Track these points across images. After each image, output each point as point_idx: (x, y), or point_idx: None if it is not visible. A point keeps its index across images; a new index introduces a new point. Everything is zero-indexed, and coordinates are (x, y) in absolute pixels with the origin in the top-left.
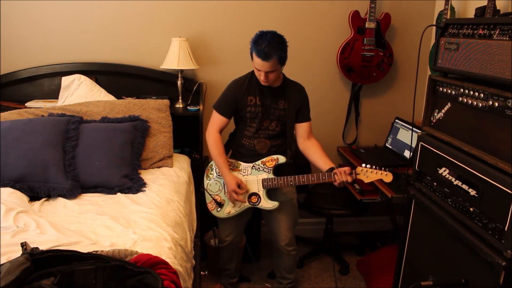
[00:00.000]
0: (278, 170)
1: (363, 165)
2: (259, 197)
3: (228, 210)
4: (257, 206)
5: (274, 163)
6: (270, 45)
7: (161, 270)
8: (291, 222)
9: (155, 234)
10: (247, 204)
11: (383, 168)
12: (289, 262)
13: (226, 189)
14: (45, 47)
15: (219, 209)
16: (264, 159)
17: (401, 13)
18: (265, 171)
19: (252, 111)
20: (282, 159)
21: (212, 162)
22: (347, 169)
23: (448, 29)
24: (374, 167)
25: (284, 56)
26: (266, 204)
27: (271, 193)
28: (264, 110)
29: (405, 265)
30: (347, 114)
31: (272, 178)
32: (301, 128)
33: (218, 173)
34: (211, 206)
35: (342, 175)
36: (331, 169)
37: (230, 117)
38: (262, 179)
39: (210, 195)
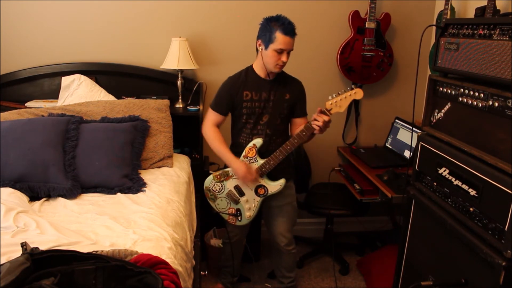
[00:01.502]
0: (262, 153)
1: (330, 97)
2: (264, 186)
3: (248, 214)
4: (268, 194)
5: (254, 150)
6: (291, 22)
7: (161, 270)
8: (290, 224)
9: (155, 234)
10: (259, 199)
11: (348, 89)
12: (289, 261)
13: (228, 197)
14: (45, 47)
15: (239, 218)
16: (243, 153)
17: (401, 13)
18: (252, 162)
19: (249, 107)
20: (258, 142)
21: (205, 185)
22: (317, 111)
23: (448, 29)
24: (339, 93)
25: None
26: (274, 188)
27: (272, 175)
28: (263, 104)
29: (405, 265)
30: (347, 114)
31: (263, 163)
32: (297, 123)
33: (217, 190)
34: (231, 220)
35: (318, 120)
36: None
37: (226, 114)
38: (255, 170)
39: (224, 213)
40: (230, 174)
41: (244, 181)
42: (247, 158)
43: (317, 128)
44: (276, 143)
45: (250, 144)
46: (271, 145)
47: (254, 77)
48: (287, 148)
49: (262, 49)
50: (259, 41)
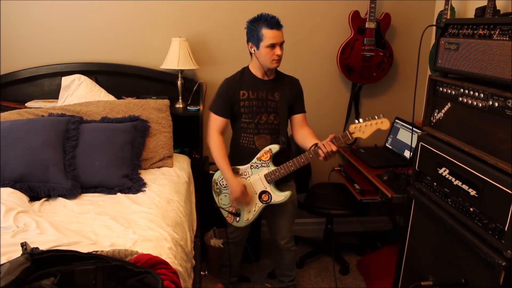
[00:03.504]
0: (276, 160)
1: (356, 121)
2: (269, 193)
3: (246, 217)
4: (271, 203)
5: (268, 155)
6: (273, 16)
7: (161, 270)
8: (291, 223)
9: (155, 234)
10: (261, 205)
11: (376, 117)
12: (289, 258)
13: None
14: (45, 47)
15: (237, 219)
16: (258, 155)
17: (401, 13)
18: (264, 166)
19: (246, 105)
20: (275, 148)
21: (214, 177)
22: (329, 137)
23: (448, 29)
24: (366, 119)
25: None
26: (278, 197)
27: (279, 185)
28: (260, 103)
29: (405, 265)
30: (347, 114)
31: (273, 170)
32: (297, 119)
33: (224, 185)
34: (229, 219)
35: (325, 146)
36: (315, 145)
37: (228, 117)
38: (264, 175)
39: (224, 209)
40: (240, 173)
41: (235, 202)
42: (260, 160)
43: (322, 155)
44: (281, 141)
45: (266, 148)
46: (273, 143)
47: (250, 77)
48: (301, 161)
49: (254, 50)
50: (250, 44)
